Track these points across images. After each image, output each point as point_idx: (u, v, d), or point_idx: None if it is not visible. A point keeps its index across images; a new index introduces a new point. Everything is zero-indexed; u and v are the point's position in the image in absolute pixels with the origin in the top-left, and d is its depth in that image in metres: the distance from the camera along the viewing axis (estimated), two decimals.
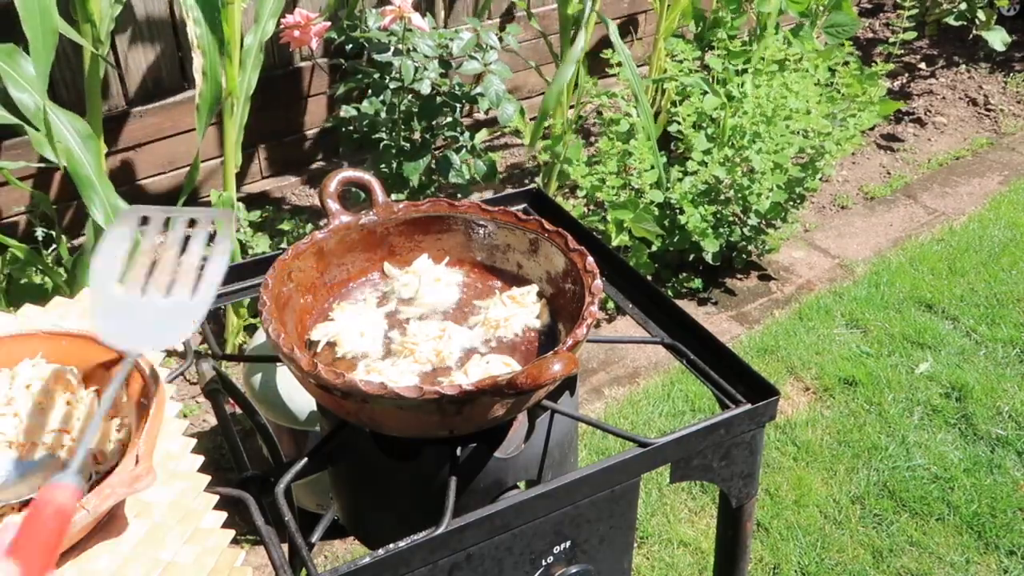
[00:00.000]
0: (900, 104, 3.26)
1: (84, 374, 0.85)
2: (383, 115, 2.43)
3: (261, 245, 2.65)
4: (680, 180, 2.64)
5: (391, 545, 0.79)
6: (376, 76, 2.42)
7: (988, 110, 3.74)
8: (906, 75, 3.95)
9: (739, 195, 2.63)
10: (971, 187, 3.27)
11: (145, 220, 0.84)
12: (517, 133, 3.25)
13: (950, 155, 3.45)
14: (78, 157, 1.87)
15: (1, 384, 0.83)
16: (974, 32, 3.98)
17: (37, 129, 1.87)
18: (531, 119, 2.89)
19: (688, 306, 2.69)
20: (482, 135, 2.88)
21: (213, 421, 2.21)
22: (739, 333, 2.59)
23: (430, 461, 0.90)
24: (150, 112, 2.64)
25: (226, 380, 1.02)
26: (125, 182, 2.63)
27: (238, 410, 1.43)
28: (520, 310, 0.99)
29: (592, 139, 3.35)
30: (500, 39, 2.50)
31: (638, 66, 2.63)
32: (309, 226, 2.75)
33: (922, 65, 4.02)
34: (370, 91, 2.43)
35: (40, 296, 2.09)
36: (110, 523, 0.75)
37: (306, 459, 0.91)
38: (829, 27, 3.07)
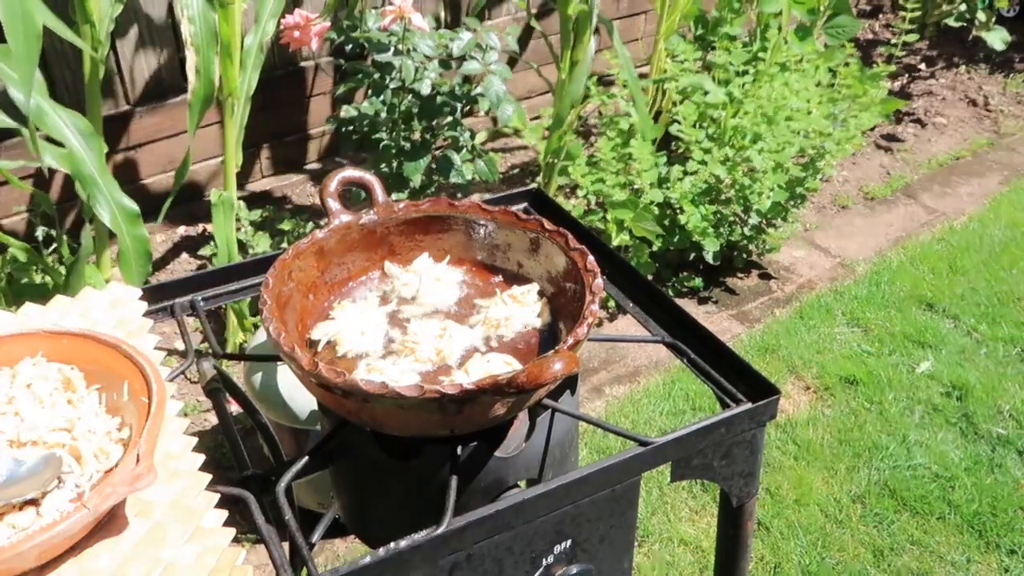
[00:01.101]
0: (902, 102, 3.26)
1: (85, 373, 0.85)
2: (383, 115, 2.43)
3: (262, 244, 2.65)
4: (680, 180, 2.64)
5: (392, 544, 0.79)
6: (376, 76, 2.42)
7: (988, 110, 3.74)
8: (906, 76, 3.95)
9: (740, 195, 2.63)
10: (971, 187, 3.27)
11: None
12: (517, 133, 3.25)
13: (950, 155, 3.45)
14: (80, 155, 1.85)
15: (2, 383, 0.83)
16: (974, 33, 3.98)
17: (37, 129, 1.87)
18: (531, 119, 2.89)
19: (689, 305, 2.68)
20: (482, 135, 2.87)
21: (214, 420, 2.21)
22: (740, 332, 2.59)
23: (431, 460, 0.90)
24: (151, 112, 2.64)
25: (227, 379, 1.02)
26: (126, 182, 2.63)
27: (239, 409, 1.43)
28: (521, 309, 0.99)
29: (592, 139, 3.35)
30: (513, 45, 2.49)
31: (638, 66, 2.63)
32: (310, 225, 2.75)
33: (922, 66, 4.02)
34: (370, 91, 2.43)
35: (41, 295, 2.09)
36: (111, 522, 0.75)
37: (307, 458, 0.91)
38: (829, 28, 3.07)
